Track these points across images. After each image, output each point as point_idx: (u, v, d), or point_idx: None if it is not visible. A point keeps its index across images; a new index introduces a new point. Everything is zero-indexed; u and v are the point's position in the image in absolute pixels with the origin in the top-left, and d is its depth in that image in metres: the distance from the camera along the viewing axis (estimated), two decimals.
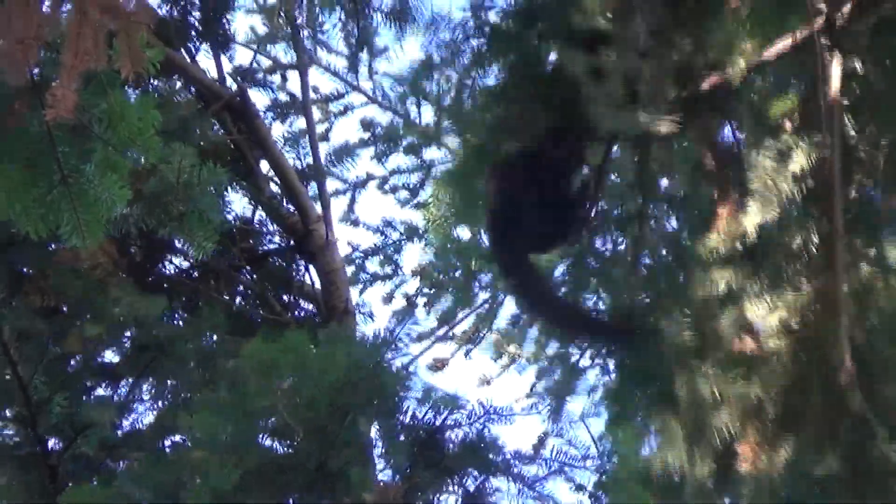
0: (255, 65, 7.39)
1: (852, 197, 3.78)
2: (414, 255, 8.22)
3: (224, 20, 6.77)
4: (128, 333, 5.81)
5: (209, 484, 4.37)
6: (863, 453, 3.57)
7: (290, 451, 4.71)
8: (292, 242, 6.99)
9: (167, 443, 5.65)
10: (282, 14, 7.24)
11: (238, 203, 6.93)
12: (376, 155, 7.73)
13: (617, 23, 3.72)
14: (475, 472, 4.78)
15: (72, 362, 5.76)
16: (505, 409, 4.89)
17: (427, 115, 7.54)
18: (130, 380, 5.82)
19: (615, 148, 4.23)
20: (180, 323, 6.23)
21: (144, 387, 5.88)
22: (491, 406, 4.85)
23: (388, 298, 7.86)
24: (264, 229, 7.05)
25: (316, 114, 7.75)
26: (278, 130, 7.34)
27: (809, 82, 3.76)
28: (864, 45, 3.68)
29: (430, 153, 7.72)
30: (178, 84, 6.75)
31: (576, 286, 4.44)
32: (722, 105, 3.87)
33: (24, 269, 5.79)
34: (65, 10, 3.28)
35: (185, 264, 6.64)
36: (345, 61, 7.59)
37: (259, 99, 7.43)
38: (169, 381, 5.84)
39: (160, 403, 5.82)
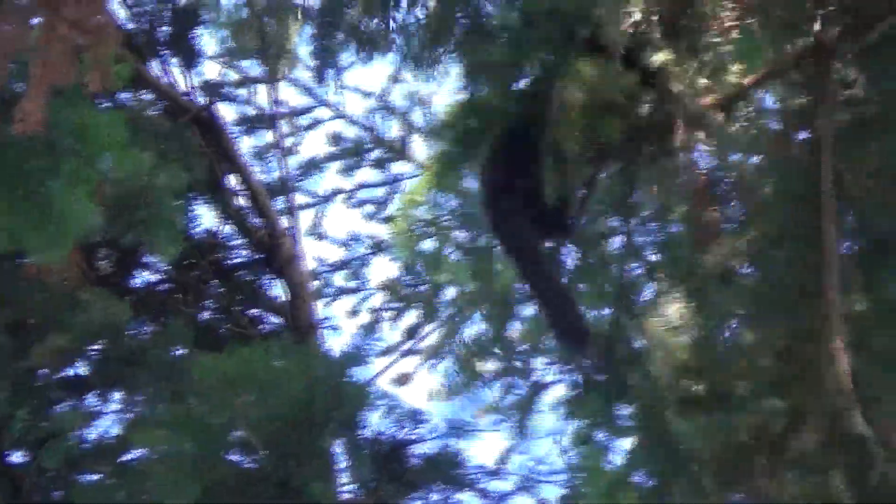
0: (223, 78, 7.41)
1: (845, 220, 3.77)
2: (380, 269, 8.25)
3: (193, 34, 6.79)
4: (94, 346, 5.79)
5: (170, 499, 4.37)
6: (864, 477, 3.53)
7: (253, 465, 4.71)
8: (260, 256, 6.99)
9: (133, 456, 5.62)
10: (251, 29, 7.26)
11: (206, 216, 6.93)
12: (343, 169, 7.78)
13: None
14: (439, 487, 4.81)
15: (38, 375, 5.73)
16: (469, 423, 4.92)
17: (394, 129, 7.62)
18: (97, 392, 5.80)
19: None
20: (147, 335, 6.21)
21: (111, 399, 5.86)
22: (455, 420, 4.88)
23: (354, 312, 7.88)
24: (232, 243, 7.05)
25: (284, 128, 7.78)
26: (247, 144, 7.37)
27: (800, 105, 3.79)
28: (857, 68, 3.70)
29: (397, 167, 7.78)
30: (149, 98, 6.76)
31: None
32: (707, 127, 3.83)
33: None
34: (33, 24, 3.30)
35: (154, 278, 6.64)
36: (313, 75, 7.61)
37: (228, 112, 7.46)
38: (136, 395, 5.82)
39: (127, 416, 5.80)
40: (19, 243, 3.51)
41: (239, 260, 7.07)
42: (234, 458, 4.76)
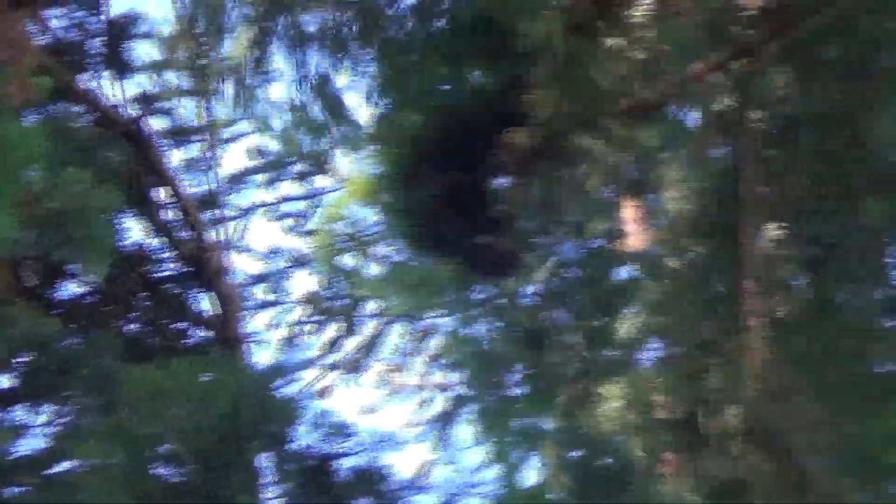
0: (153, 91, 7.43)
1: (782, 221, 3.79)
2: (301, 283, 8.33)
3: (124, 48, 6.81)
4: (22, 359, 5.78)
5: None
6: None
7: (182, 478, 4.76)
8: (188, 269, 7.03)
9: (63, 468, 5.62)
10: (181, 43, 7.29)
11: (134, 229, 6.96)
12: (265, 182, 7.85)
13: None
14: (366, 501, 4.89)
15: None
16: (393, 436, 5.02)
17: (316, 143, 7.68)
18: (27, 404, 5.79)
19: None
20: (76, 347, 6.21)
21: (41, 412, 5.85)
22: (379, 434, 4.97)
23: (275, 325, 7.95)
24: (160, 255, 7.08)
25: (211, 141, 7.82)
26: (176, 157, 7.41)
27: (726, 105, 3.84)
28: (782, 67, 3.76)
29: (319, 181, 7.88)
30: (78, 110, 6.76)
31: None
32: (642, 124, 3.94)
33: None
34: None
35: (82, 290, 6.65)
36: (237, 89, 7.65)
37: (157, 125, 7.49)
38: (65, 406, 5.82)
39: (56, 428, 5.80)
40: None
41: (167, 273, 7.10)
42: (164, 470, 4.79)
